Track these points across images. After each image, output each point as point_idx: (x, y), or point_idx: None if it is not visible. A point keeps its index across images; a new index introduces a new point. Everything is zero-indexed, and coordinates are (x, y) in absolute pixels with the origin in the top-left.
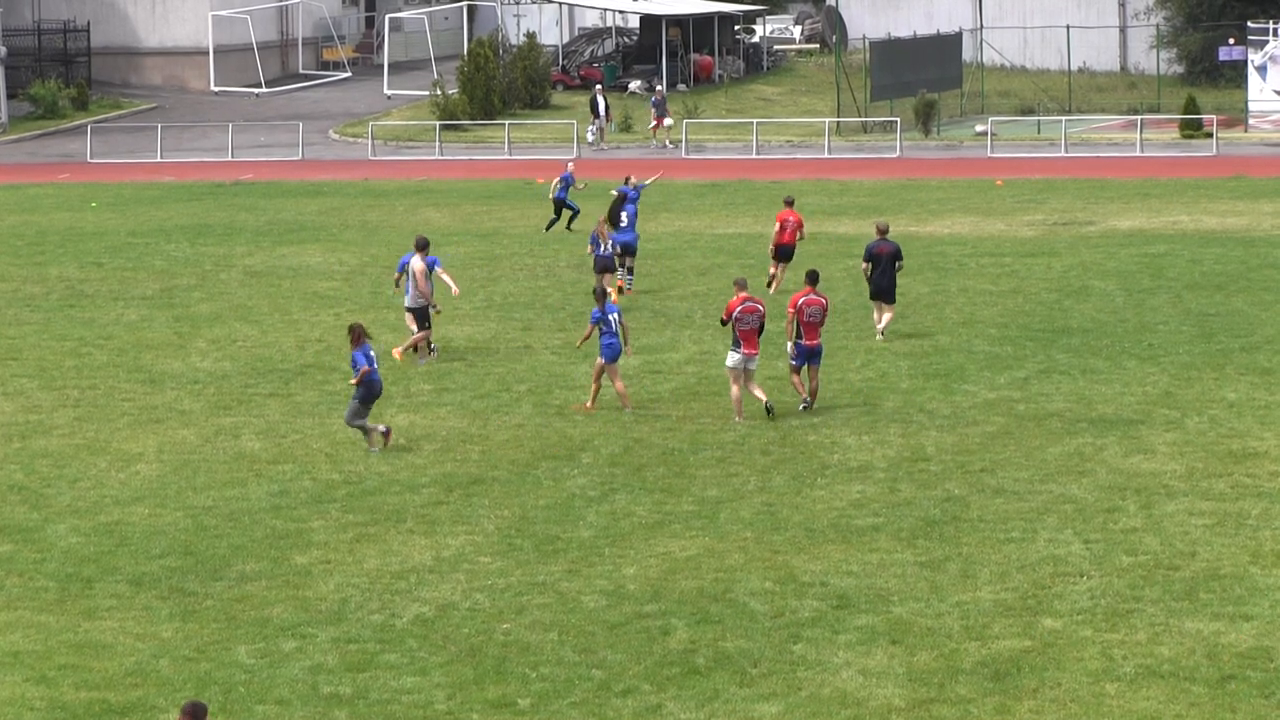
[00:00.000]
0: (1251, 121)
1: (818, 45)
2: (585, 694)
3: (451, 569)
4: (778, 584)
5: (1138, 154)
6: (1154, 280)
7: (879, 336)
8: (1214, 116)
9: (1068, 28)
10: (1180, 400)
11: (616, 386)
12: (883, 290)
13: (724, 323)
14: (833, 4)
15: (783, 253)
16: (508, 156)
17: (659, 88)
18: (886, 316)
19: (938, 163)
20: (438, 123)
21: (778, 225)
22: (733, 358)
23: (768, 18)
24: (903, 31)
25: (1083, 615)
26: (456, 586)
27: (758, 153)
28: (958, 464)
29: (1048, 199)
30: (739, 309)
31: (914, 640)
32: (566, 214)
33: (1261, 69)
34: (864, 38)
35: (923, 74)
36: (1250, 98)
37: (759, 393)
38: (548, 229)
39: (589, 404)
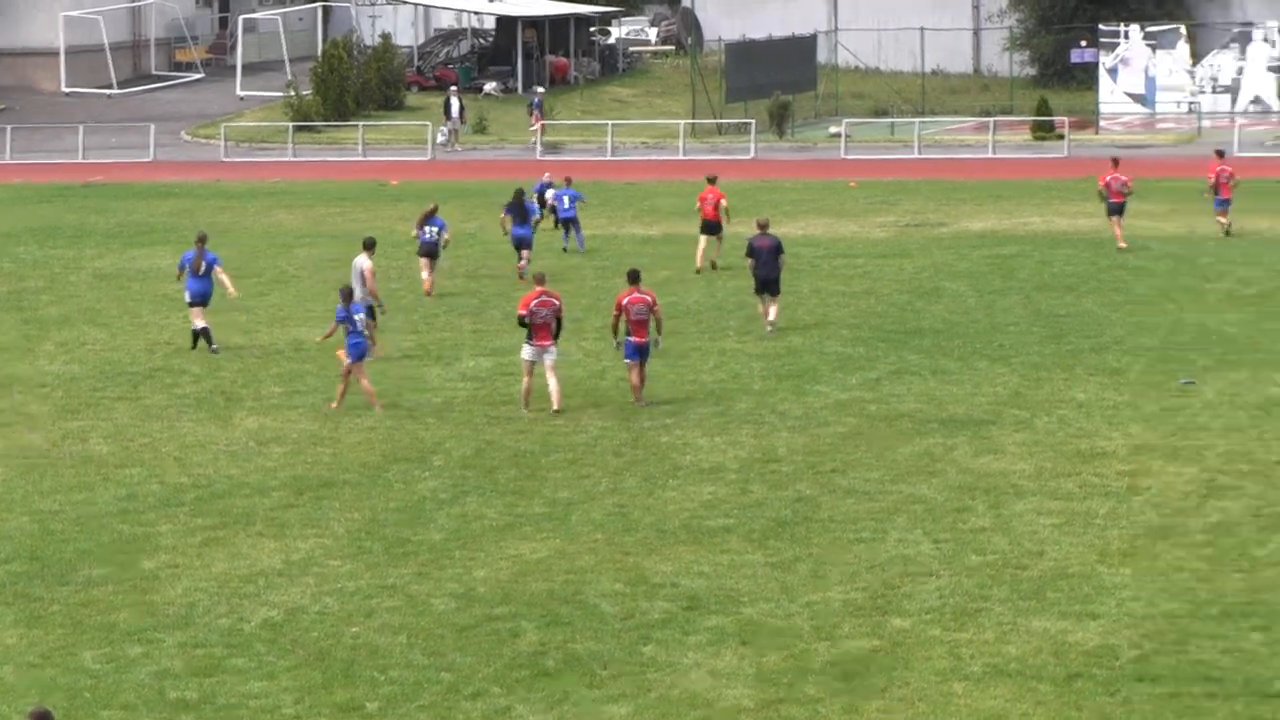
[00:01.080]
0: (1103, 123)
1: (673, 47)
2: (434, 697)
3: (300, 572)
4: (628, 585)
5: (990, 155)
6: (1005, 281)
7: (768, 328)
8: (1065, 118)
9: (921, 30)
10: (1030, 400)
11: (363, 385)
12: (768, 283)
13: (521, 321)
14: (688, 6)
15: (708, 228)
16: (361, 158)
17: (539, 89)
18: (774, 309)
19: (792, 164)
20: (291, 124)
21: (699, 204)
22: (527, 350)
23: (623, 19)
24: (758, 33)
25: (931, 615)
26: (305, 590)
27: (613, 154)
28: (809, 465)
29: (900, 200)
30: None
31: (764, 641)
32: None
33: (1112, 71)
34: (719, 39)
35: (777, 76)
36: (1101, 100)
37: (554, 394)
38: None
39: (334, 404)
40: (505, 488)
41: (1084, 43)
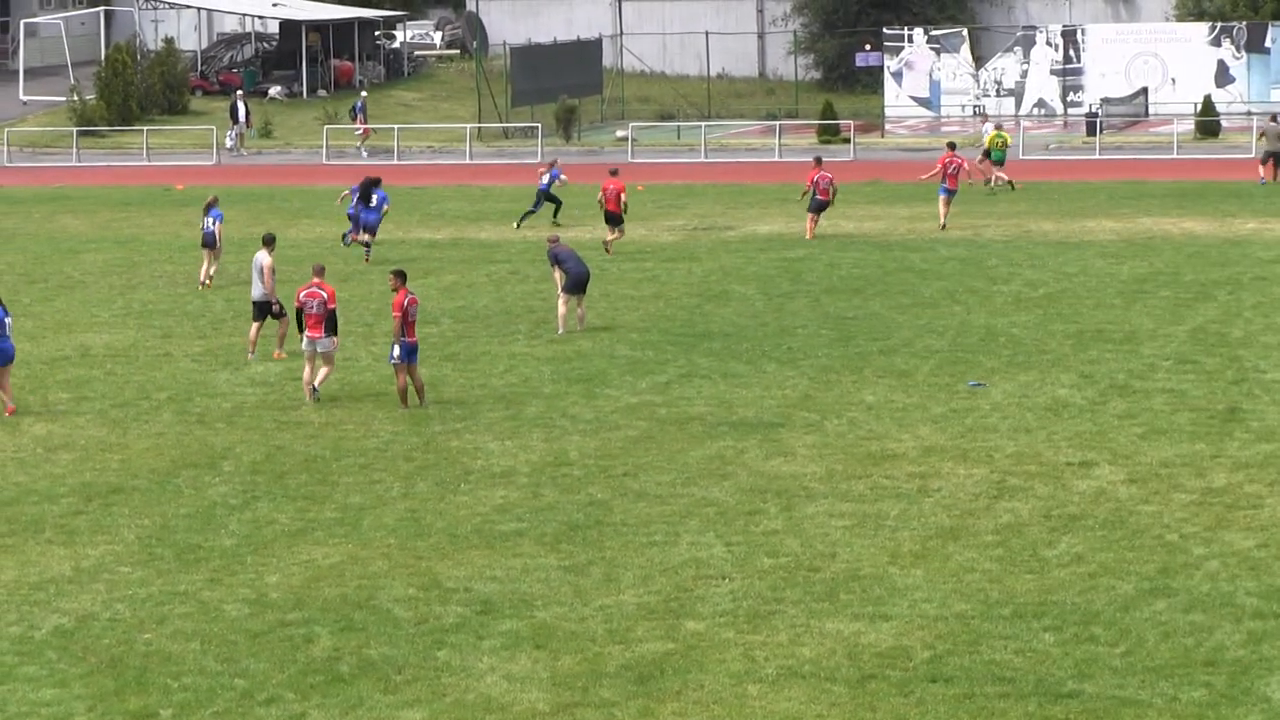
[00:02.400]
0: (888, 127)
1: (458, 51)
2: (228, 703)
3: (91, 579)
4: (421, 590)
5: (776, 159)
6: (793, 284)
7: (579, 326)
8: (851, 122)
9: (706, 34)
10: (819, 403)
11: (3, 385)
12: (579, 285)
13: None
14: (473, 10)
15: (610, 219)
16: (146, 163)
17: (363, 93)
18: (580, 310)
19: (579, 168)
20: (75, 129)
21: (601, 194)
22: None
23: (408, 23)
24: (543, 37)
25: (725, 617)
26: (96, 597)
27: (399, 158)
28: (600, 468)
29: (688, 204)
30: (303, 295)
31: (558, 644)
32: (551, 207)
33: (897, 75)
34: (504, 44)
35: (563, 80)
36: (887, 103)
37: (319, 379)
38: (518, 222)
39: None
40: (296, 493)
41: (868, 46)
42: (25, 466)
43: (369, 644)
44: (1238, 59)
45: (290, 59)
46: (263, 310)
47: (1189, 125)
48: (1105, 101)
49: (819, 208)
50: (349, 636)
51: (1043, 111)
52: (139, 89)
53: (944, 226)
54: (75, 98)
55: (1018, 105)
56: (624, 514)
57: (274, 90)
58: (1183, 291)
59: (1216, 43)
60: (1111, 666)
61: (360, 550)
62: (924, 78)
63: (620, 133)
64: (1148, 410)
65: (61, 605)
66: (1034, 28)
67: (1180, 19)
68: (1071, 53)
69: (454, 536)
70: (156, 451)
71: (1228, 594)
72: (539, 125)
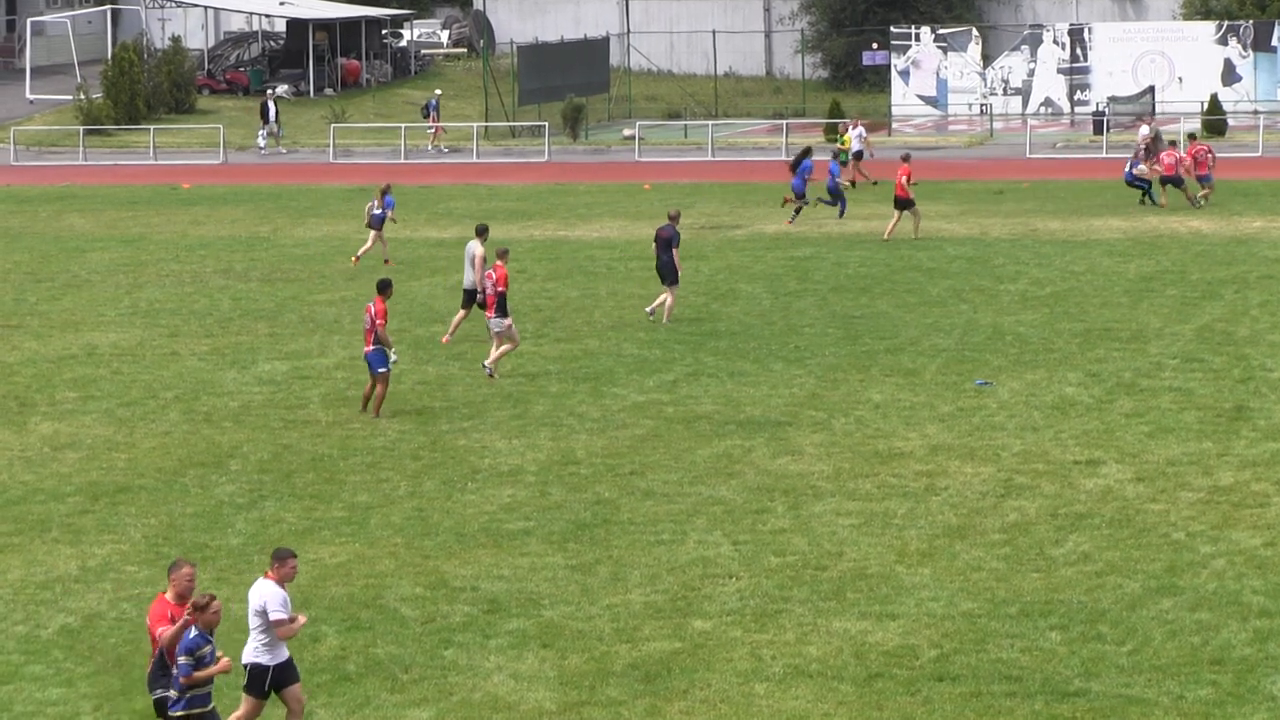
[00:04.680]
0: (895, 125)
1: (465, 49)
2: (234, 703)
3: (98, 578)
4: (428, 589)
5: (783, 158)
6: (800, 283)
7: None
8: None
9: (714, 33)
10: (826, 401)
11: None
12: (468, 294)
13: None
14: (480, 9)
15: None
16: (153, 161)
17: (437, 91)
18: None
19: (586, 167)
20: (81, 128)
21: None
22: None
23: (415, 22)
24: (550, 36)
25: (732, 616)
26: (103, 596)
27: (406, 157)
28: (608, 467)
29: (695, 203)
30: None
31: (565, 643)
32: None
33: (904, 73)
34: (511, 42)
35: (570, 78)
36: (894, 102)
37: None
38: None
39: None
40: (303, 492)
41: (875, 45)
42: (32, 465)
43: (376, 643)
44: (1244, 58)
45: (297, 58)
46: (471, 298)
47: (1196, 124)
48: (1112, 100)
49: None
50: (355, 635)
51: (1050, 110)
52: (145, 88)
53: (887, 239)
54: (82, 96)
55: (1024, 104)
56: (631, 513)
57: (281, 89)
58: (1189, 290)
59: (1223, 41)
60: (1118, 665)
61: (367, 549)
62: (931, 76)
63: (627, 131)
64: (1155, 409)
65: (68, 604)
66: (1041, 26)
67: (1187, 18)
68: (1078, 51)
69: (461, 535)
70: (163, 450)
71: (1234, 592)
72: (545, 124)
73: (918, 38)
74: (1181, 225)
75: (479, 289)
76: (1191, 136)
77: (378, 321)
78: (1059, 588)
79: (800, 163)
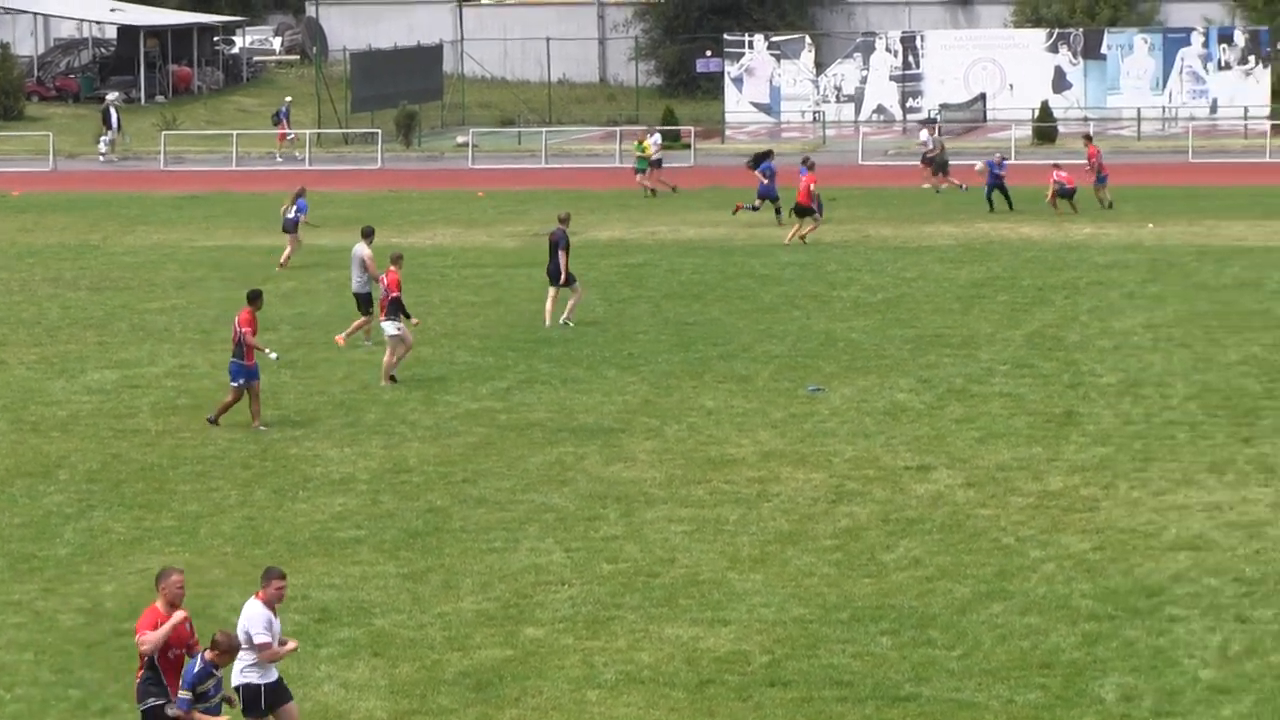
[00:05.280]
0: (729, 133)
1: (298, 56)
2: (62, 714)
3: None
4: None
5: (617, 165)
6: (634, 290)
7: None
8: (692, 128)
9: (547, 40)
10: (660, 408)
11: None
12: (359, 298)
13: None
14: (313, 15)
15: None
16: None
17: (287, 99)
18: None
19: (419, 174)
20: None
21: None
22: None
23: (247, 29)
24: (383, 43)
25: (564, 623)
26: None
27: (238, 164)
28: (440, 475)
29: (529, 210)
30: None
31: (396, 652)
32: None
33: (738, 81)
34: (344, 49)
35: (404, 85)
36: (727, 109)
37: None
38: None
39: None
40: (133, 501)
41: (709, 52)
42: None
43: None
44: (1074, 65)
45: (128, 64)
46: (365, 301)
47: (1027, 131)
48: (944, 107)
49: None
50: None
51: (882, 117)
52: None
53: (789, 242)
54: None
55: (857, 111)
56: (463, 521)
57: (111, 96)
58: (1020, 296)
59: (1054, 49)
60: (948, 669)
61: (197, 559)
62: (764, 84)
63: (461, 139)
64: (985, 414)
65: None
66: (874, 34)
67: (1018, 25)
68: (911, 59)
69: (292, 544)
70: None
71: (1063, 596)
72: (379, 131)
73: (751, 45)
74: (1012, 232)
75: (369, 291)
76: (1088, 139)
77: (243, 330)
78: (890, 593)
79: (761, 164)
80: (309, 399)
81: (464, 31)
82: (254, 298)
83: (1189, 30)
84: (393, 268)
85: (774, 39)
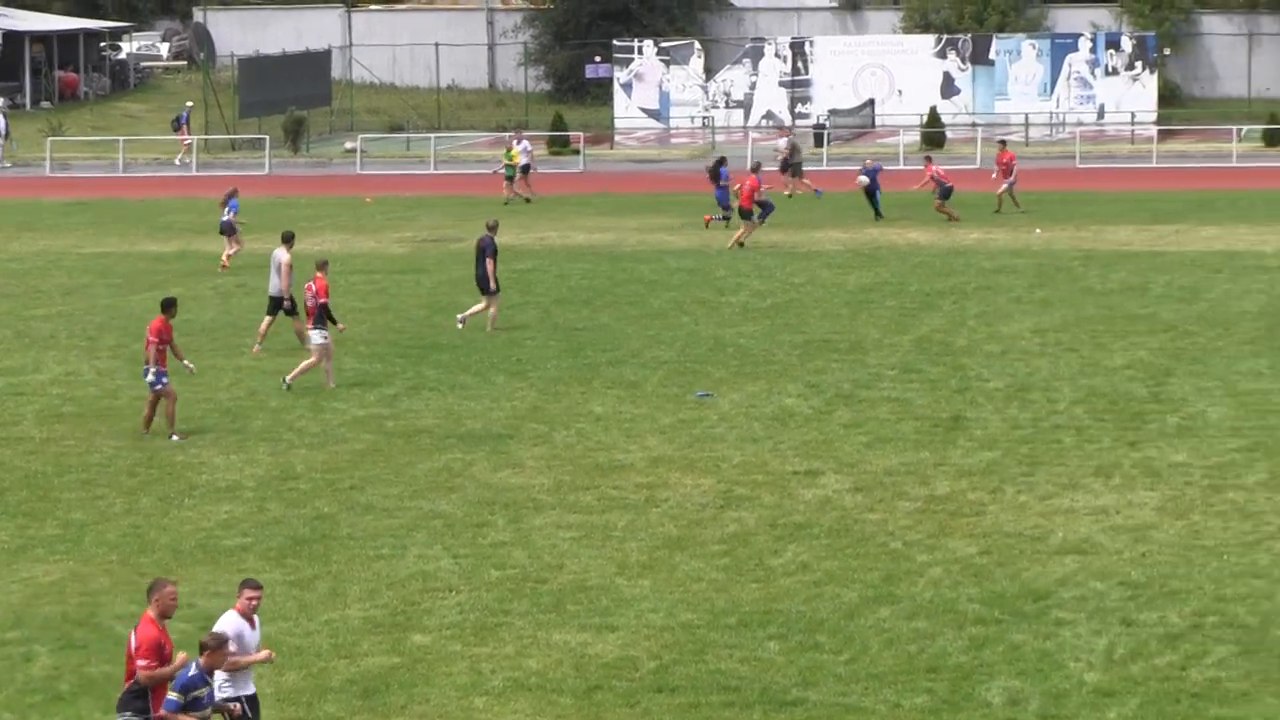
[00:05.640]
0: (618, 138)
1: (186, 62)
2: None
3: None
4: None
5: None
6: (522, 296)
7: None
8: (581, 134)
9: (436, 45)
10: (548, 414)
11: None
12: (274, 301)
13: None
14: (200, 21)
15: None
16: None
17: (188, 104)
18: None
19: (307, 180)
20: None
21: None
22: None
23: (134, 34)
24: (271, 48)
25: (451, 630)
26: None
27: (125, 170)
28: (327, 482)
29: (417, 216)
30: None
31: (282, 660)
32: None
33: (627, 86)
34: (232, 55)
35: (291, 91)
36: (617, 115)
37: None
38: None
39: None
40: (16, 509)
41: (598, 58)
42: None
43: (90, 662)
44: (963, 71)
45: (13, 70)
46: (277, 305)
47: (915, 136)
48: (833, 113)
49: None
50: (69, 655)
51: (771, 123)
52: None
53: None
54: None
55: (746, 116)
56: (350, 528)
57: None
58: (908, 301)
59: (942, 55)
60: (835, 674)
61: (82, 567)
62: (654, 89)
63: (349, 144)
64: (873, 419)
65: None
66: (763, 40)
67: (907, 31)
68: (800, 65)
69: (178, 552)
70: None
71: (950, 600)
72: (267, 137)
73: (640, 51)
74: (900, 237)
75: (285, 296)
76: (1002, 144)
77: (150, 340)
78: (777, 598)
79: (718, 171)
80: (195, 406)
81: (353, 37)
82: (167, 306)
83: (1076, 36)
84: (319, 274)
85: (663, 45)
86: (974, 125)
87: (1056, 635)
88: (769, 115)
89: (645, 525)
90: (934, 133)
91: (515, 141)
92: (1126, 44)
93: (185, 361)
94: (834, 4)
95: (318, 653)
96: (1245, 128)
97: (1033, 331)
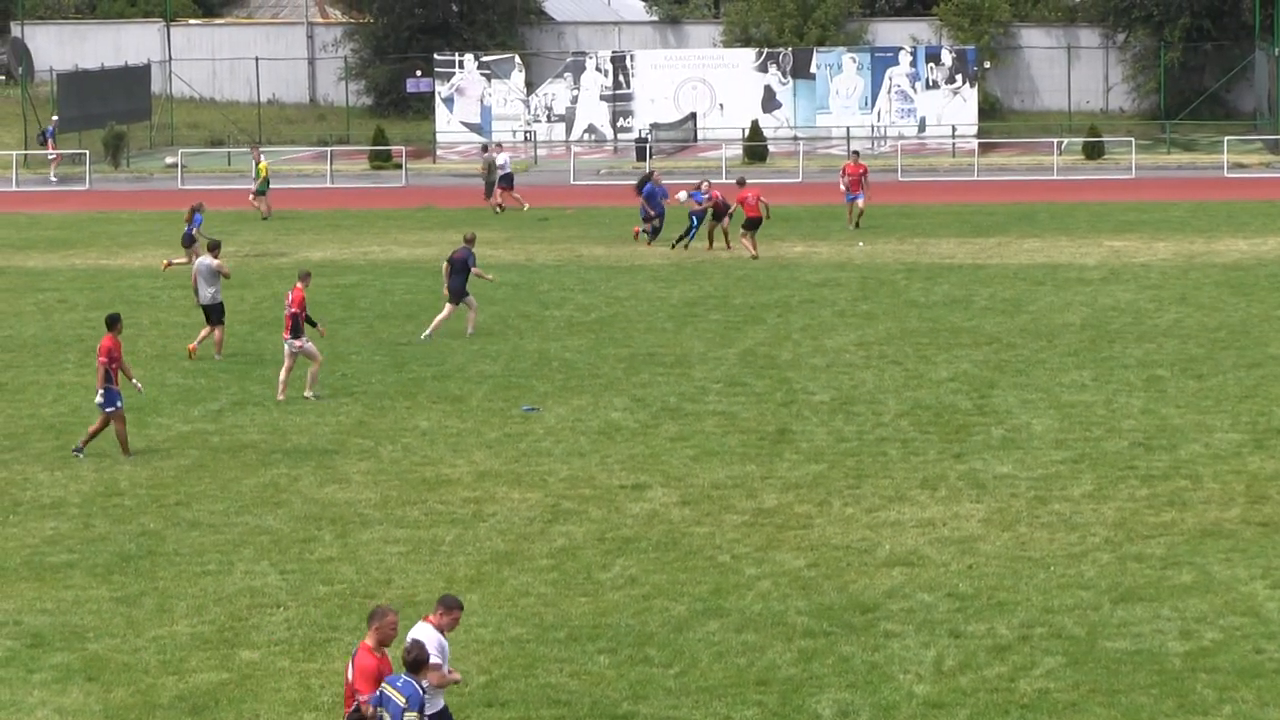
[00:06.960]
0: (440, 152)
1: (3, 76)
2: None
3: None
4: None
5: (328, 185)
6: (346, 311)
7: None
8: (403, 148)
9: (256, 60)
10: (374, 429)
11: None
12: (210, 310)
13: None
14: (18, 35)
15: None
16: None
17: (55, 118)
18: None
19: (128, 195)
20: None
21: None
22: None
23: None
24: (91, 63)
25: (280, 646)
26: None
27: None
28: (153, 498)
29: (240, 230)
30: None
31: (110, 677)
32: None
33: (449, 100)
34: (51, 69)
35: (111, 106)
36: (438, 129)
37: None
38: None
39: None
40: None
41: (419, 72)
42: None
43: None
44: (784, 84)
45: None
46: (210, 313)
47: (738, 150)
48: (655, 127)
49: (752, 225)
50: None
51: (593, 137)
52: None
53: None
54: None
55: (568, 131)
56: (177, 543)
57: None
58: (732, 315)
59: (764, 69)
60: (665, 687)
61: None
62: (475, 104)
63: (170, 159)
64: (699, 432)
65: None
66: (584, 54)
67: (728, 45)
68: (621, 79)
69: (2, 569)
70: None
71: (779, 613)
72: (87, 152)
73: (461, 65)
74: (723, 251)
75: (216, 302)
76: (856, 154)
77: (100, 360)
78: (606, 611)
79: (645, 186)
80: (18, 422)
81: (172, 51)
82: (113, 322)
83: (897, 50)
84: (299, 284)
85: (484, 59)
86: (795, 139)
87: (885, 647)
88: (591, 129)
89: (473, 540)
90: (756, 146)
91: (496, 151)
92: (947, 58)
93: (134, 381)
94: (654, 18)
95: (146, 669)
96: (1065, 141)
97: (857, 345)
